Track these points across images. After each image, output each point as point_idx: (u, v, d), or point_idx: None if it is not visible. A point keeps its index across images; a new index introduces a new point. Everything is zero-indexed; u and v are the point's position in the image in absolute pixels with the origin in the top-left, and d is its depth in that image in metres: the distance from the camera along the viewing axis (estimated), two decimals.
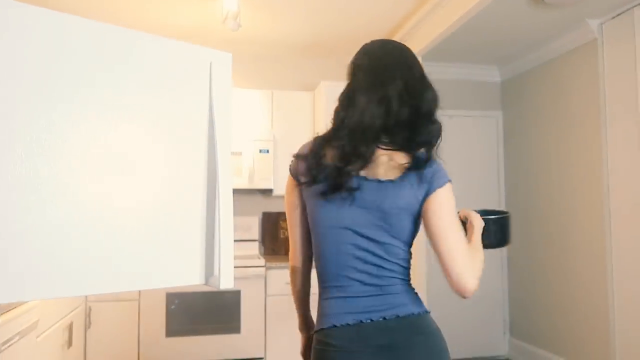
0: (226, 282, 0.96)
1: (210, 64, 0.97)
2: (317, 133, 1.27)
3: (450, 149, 4.73)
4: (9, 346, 1.82)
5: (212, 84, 0.97)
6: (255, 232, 3.89)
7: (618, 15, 3.08)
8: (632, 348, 2.98)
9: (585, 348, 3.40)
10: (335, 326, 1.16)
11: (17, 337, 1.91)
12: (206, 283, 0.98)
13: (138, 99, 0.91)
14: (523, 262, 4.10)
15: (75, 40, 0.85)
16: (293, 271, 1.35)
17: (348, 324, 1.15)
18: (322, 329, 1.19)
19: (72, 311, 2.81)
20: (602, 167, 3.23)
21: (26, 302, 2.04)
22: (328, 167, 1.17)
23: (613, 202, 3.13)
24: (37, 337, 2.20)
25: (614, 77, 3.14)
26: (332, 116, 1.25)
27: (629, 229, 3.01)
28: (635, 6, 2.94)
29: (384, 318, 1.14)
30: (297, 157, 1.26)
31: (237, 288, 3.28)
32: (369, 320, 1.14)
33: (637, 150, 2.94)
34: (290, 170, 1.28)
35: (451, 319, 4.13)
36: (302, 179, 1.23)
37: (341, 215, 1.18)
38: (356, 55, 1.30)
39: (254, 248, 3.87)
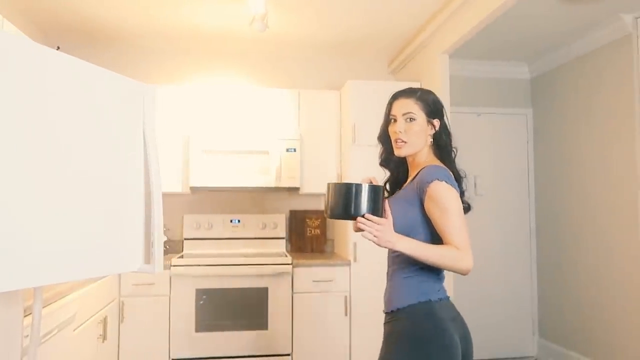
0: (159, 268, 1.25)
1: (143, 96, 1.30)
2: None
3: (479, 147, 4.63)
4: (49, 338, 1.90)
5: (145, 111, 1.29)
6: (282, 230, 3.93)
7: None
8: None
9: (616, 351, 3.33)
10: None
11: (56, 330, 1.99)
12: (139, 270, 1.26)
13: (89, 121, 1.15)
14: (553, 261, 4.03)
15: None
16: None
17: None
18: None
19: (106, 305, 2.90)
20: (637, 166, 3.15)
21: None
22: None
23: None
24: (74, 330, 2.29)
25: None
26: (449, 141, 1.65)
27: None
28: None
29: None
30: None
31: (264, 285, 3.33)
32: None
33: None
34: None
35: (477, 317, 4.10)
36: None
37: None
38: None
39: (281, 246, 3.92)
